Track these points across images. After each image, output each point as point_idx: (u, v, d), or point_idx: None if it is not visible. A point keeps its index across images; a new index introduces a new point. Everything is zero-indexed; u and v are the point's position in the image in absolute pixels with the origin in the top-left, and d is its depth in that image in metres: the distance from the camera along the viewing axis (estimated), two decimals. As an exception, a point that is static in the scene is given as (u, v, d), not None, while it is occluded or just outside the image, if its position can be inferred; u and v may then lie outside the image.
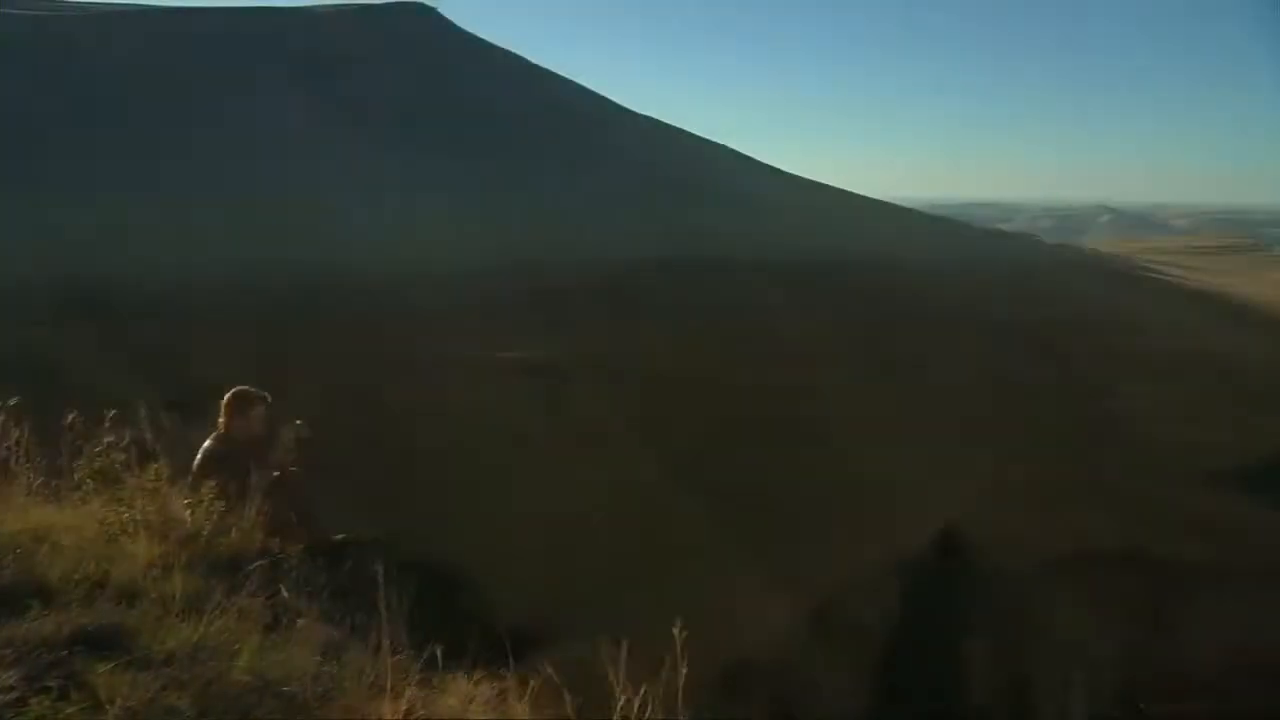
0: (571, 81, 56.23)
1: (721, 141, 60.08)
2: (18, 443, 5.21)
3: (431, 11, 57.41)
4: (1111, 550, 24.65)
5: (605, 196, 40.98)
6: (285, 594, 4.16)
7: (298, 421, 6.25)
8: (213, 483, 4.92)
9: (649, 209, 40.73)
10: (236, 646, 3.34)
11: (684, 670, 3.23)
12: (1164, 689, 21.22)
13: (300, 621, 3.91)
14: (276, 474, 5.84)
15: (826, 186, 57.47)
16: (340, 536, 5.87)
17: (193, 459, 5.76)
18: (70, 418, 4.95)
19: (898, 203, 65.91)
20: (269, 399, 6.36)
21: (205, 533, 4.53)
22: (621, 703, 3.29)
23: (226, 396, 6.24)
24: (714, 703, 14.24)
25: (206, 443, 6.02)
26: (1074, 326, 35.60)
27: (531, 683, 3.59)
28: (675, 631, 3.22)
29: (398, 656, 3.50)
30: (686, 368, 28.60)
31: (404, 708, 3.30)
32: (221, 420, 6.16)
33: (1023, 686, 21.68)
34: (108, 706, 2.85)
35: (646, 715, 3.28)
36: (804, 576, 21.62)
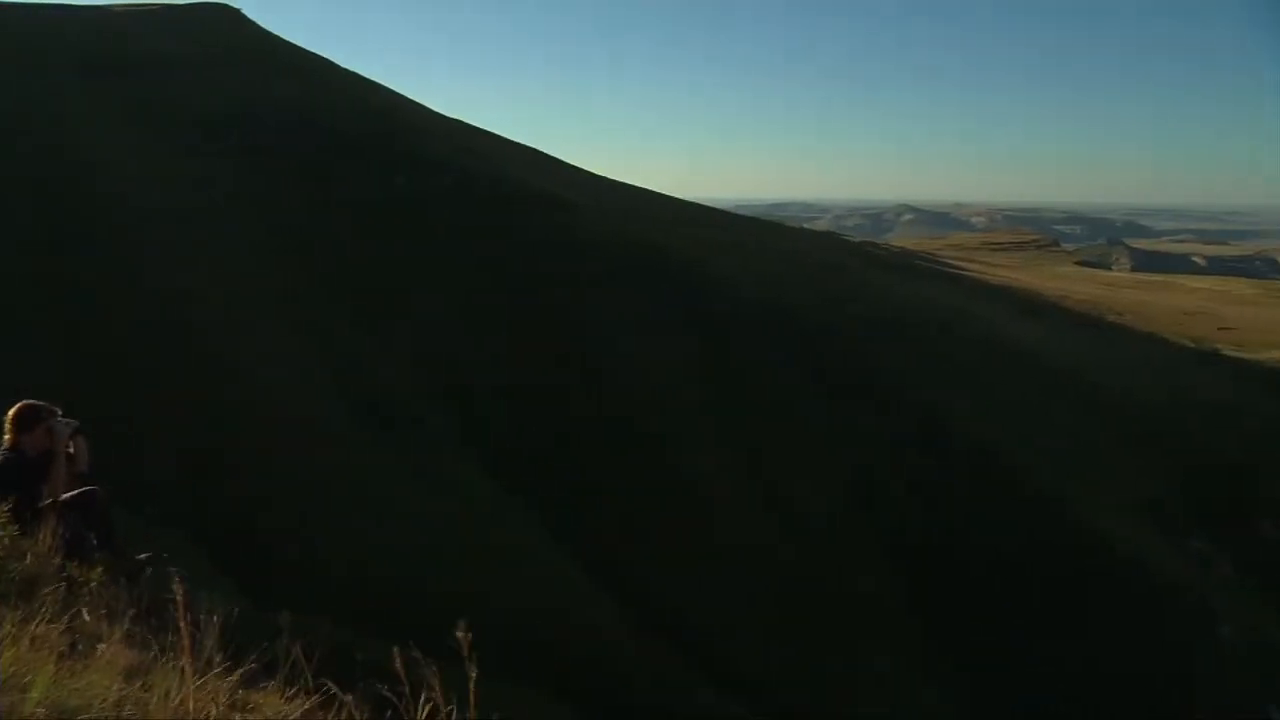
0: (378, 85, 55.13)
1: (534, 146, 59.71)
2: None
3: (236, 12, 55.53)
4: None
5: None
6: (86, 618, 3.96)
7: (63, 418, 5.81)
8: (3, 505, 4.62)
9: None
10: (29, 678, 3.14)
11: (473, 672, 3.17)
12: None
13: (101, 646, 3.71)
14: (72, 493, 5.55)
15: (636, 187, 57.81)
16: (144, 556, 5.58)
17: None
18: None
19: (708, 203, 66.71)
20: (59, 412, 5.81)
21: (-5, 559, 4.25)
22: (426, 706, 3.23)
23: (11, 411, 5.71)
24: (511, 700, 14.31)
25: (-8, 462, 5.48)
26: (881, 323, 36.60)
27: (343, 696, 3.48)
28: (459, 634, 3.16)
29: (207, 676, 3.36)
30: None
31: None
32: (7, 437, 5.65)
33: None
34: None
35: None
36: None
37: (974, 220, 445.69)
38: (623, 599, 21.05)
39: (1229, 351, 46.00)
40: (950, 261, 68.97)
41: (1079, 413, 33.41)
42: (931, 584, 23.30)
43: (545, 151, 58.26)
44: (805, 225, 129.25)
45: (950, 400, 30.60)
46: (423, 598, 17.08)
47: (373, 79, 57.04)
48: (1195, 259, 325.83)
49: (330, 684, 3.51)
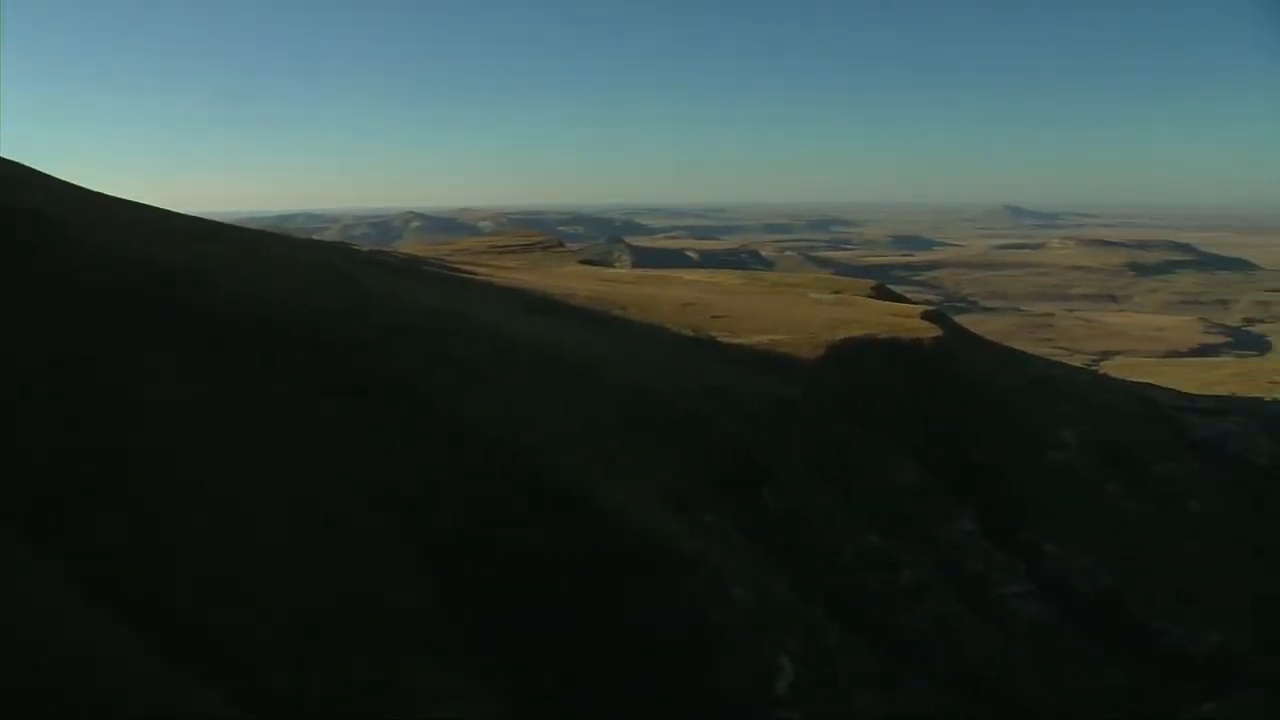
0: None
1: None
2: None
3: None
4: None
5: None
6: None
7: None
8: None
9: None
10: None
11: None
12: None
13: None
14: None
15: (136, 203, 53.76)
16: None
17: None
18: None
19: (217, 217, 63.22)
20: None
21: None
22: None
23: None
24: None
25: None
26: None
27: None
28: None
29: None
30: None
31: None
32: None
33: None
34: None
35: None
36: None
37: (481, 224, 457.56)
38: (146, 625, 19.06)
39: (723, 337, 49.37)
40: (460, 265, 69.62)
41: (593, 405, 34.46)
42: (467, 585, 23.01)
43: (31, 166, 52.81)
44: (314, 236, 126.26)
45: (467, 401, 30.63)
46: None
47: None
48: (689, 253, 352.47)
49: None
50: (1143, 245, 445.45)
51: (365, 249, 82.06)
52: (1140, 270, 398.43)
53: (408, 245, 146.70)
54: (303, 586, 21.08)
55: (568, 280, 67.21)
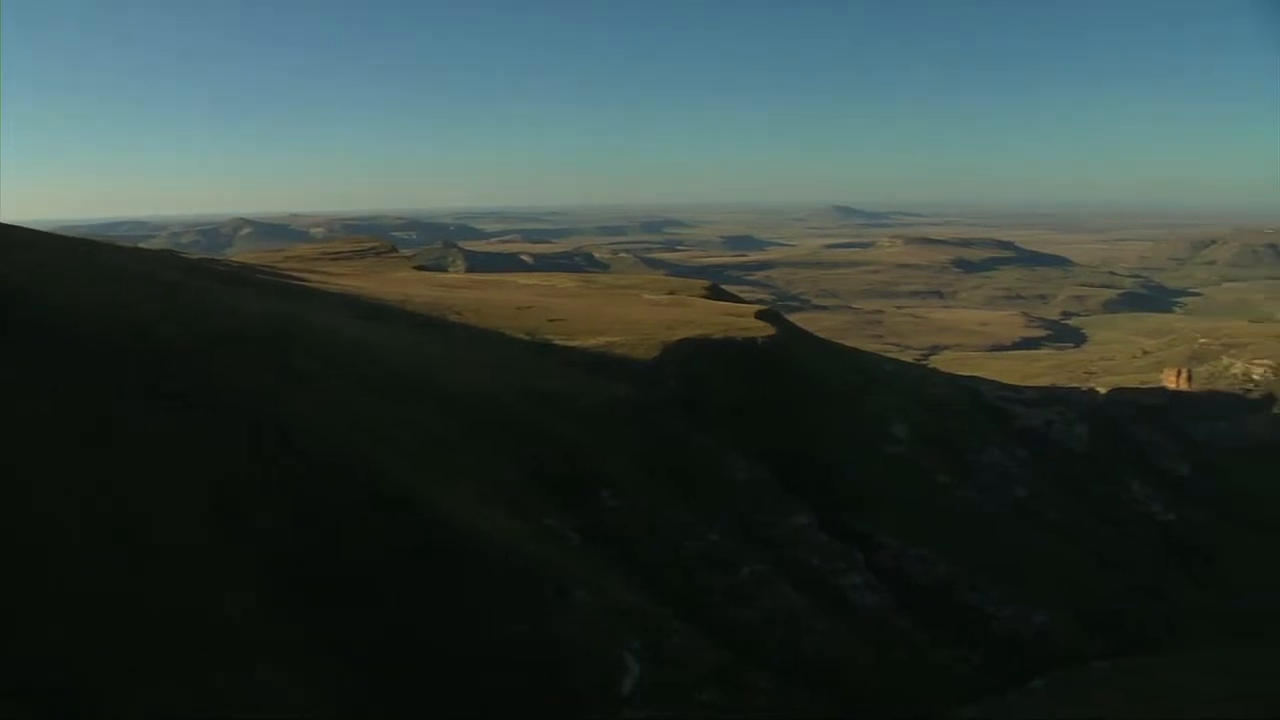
0: None
1: None
2: None
3: None
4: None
5: None
6: None
7: None
8: None
9: None
10: None
11: None
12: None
13: None
14: None
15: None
16: None
17: None
18: None
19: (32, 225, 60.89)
20: None
21: None
22: None
23: None
24: None
25: None
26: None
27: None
28: None
29: None
30: None
31: None
32: None
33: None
34: None
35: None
36: None
37: (313, 231, 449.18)
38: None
39: (559, 340, 49.69)
40: (291, 272, 68.40)
41: (430, 411, 34.37)
42: (306, 592, 22.81)
43: None
44: (140, 244, 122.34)
45: (302, 410, 30.24)
46: None
47: None
48: (524, 257, 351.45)
49: None
50: (967, 243, 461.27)
51: (195, 257, 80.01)
52: (965, 267, 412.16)
53: (238, 253, 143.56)
54: (130, 601, 20.68)
55: (402, 286, 66.69)
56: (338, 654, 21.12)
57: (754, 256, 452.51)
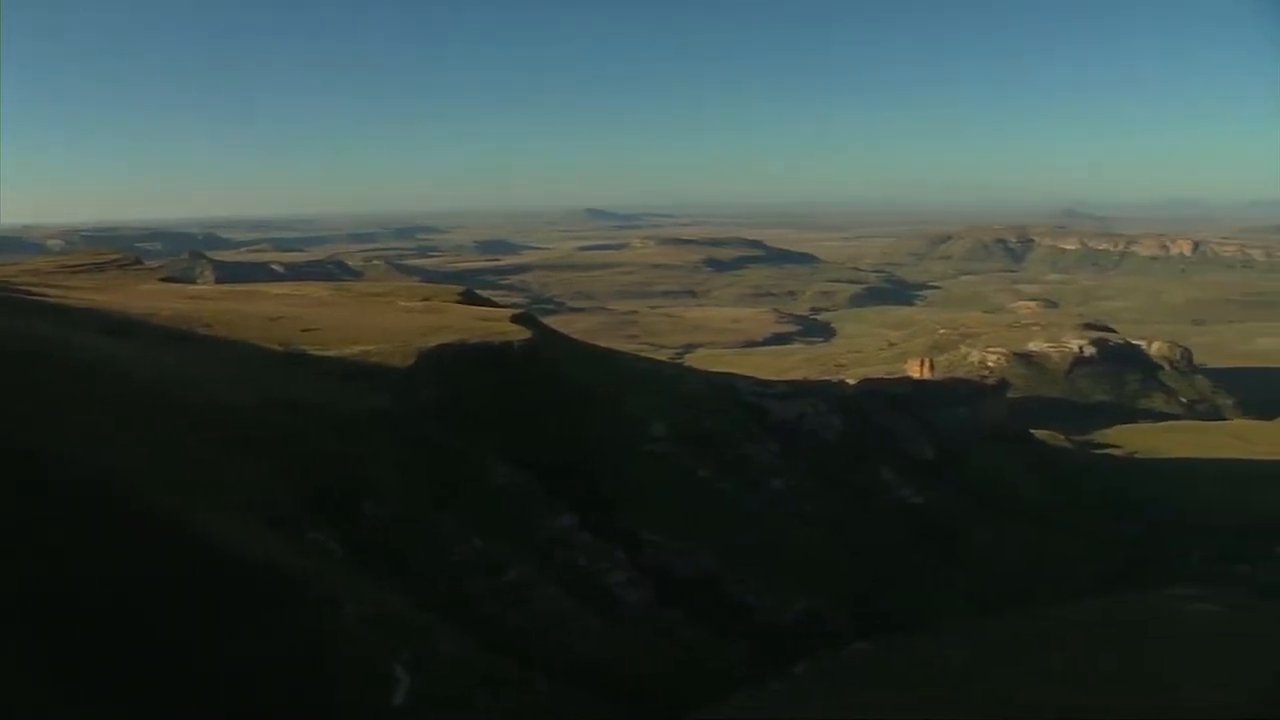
0: None
1: None
2: None
3: None
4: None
5: None
6: None
7: None
8: None
9: None
10: None
11: None
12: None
13: None
14: None
15: None
16: None
17: None
18: None
19: None
20: None
21: None
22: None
23: None
24: None
25: None
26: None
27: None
28: None
29: None
30: None
31: None
32: None
33: None
34: None
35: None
36: None
37: (50, 243, 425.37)
38: None
39: (314, 350, 49.19)
40: (28, 287, 65.14)
41: (182, 427, 33.44)
42: (65, 631, 22.11)
43: None
44: None
45: (47, 434, 28.96)
46: None
47: None
48: (275, 267, 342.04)
49: None
50: (717, 243, 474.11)
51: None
52: (716, 266, 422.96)
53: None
54: None
55: (148, 299, 64.38)
56: (107, 688, 20.71)
57: (508, 260, 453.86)
